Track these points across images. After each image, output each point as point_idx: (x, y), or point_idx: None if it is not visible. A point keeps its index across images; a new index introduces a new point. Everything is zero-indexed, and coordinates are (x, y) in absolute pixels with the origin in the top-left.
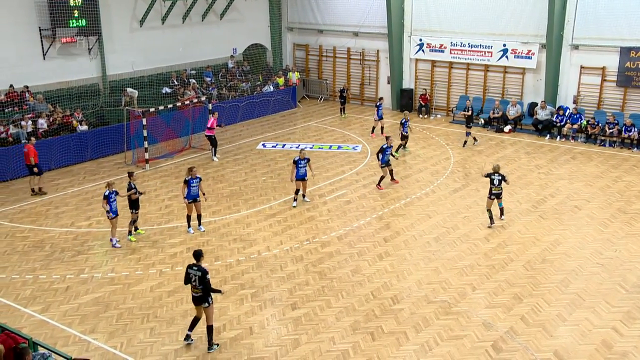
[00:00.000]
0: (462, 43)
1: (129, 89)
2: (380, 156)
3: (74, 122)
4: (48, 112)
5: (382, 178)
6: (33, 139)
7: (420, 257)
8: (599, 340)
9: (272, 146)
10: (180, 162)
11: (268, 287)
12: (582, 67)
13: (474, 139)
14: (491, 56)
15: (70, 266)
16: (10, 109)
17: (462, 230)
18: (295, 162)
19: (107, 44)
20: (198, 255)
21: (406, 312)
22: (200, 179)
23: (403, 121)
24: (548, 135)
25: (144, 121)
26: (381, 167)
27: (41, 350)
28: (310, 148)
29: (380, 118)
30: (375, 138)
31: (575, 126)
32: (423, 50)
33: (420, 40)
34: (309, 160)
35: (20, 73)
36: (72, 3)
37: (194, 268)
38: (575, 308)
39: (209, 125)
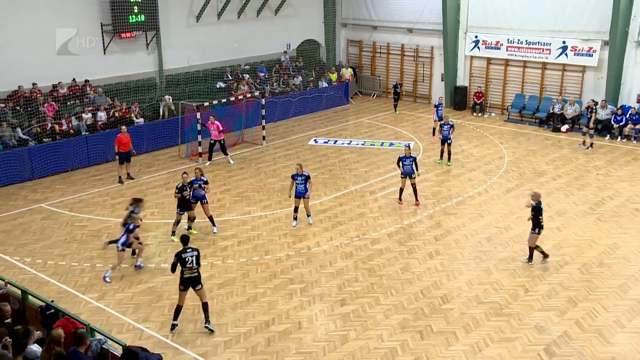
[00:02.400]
0: (519, 40)
1: (167, 97)
2: (401, 165)
3: (132, 114)
4: (107, 106)
5: (401, 190)
6: (124, 127)
7: (472, 256)
8: None
9: (324, 142)
10: (233, 156)
11: (317, 282)
12: None
13: (591, 144)
14: (549, 53)
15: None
16: (72, 101)
17: (515, 230)
18: (293, 178)
19: (164, 39)
20: (187, 240)
21: (456, 312)
22: (308, 176)
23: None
24: (608, 136)
25: (198, 115)
26: (401, 178)
27: (98, 336)
28: (362, 144)
29: (440, 119)
30: (437, 140)
31: (638, 126)
32: (478, 48)
33: (476, 37)
34: (308, 177)
35: (82, 67)
36: None
37: (188, 250)
38: (635, 315)
39: (206, 126)
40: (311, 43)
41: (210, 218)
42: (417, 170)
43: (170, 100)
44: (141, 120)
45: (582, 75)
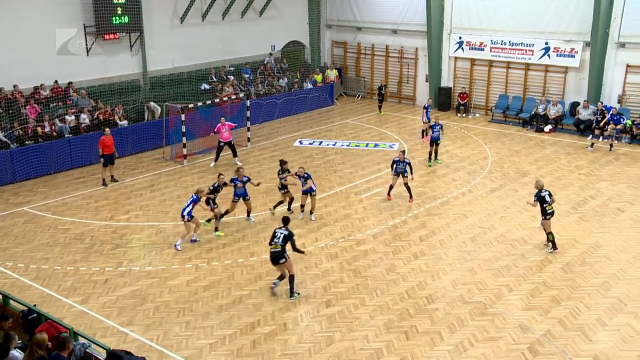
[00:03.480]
0: (502, 41)
1: (152, 103)
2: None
3: (116, 117)
4: (90, 108)
5: (390, 187)
6: (107, 130)
7: (456, 257)
8: None
9: (309, 143)
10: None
11: (302, 283)
12: (628, 65)
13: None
14: (532, 55)
15: (109, 259)
16: (54, 104)
17: (499, 230)
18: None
19: (148, 40)
20: (287, 220)
21: (441, 312)
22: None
23: (426, 105)
24: (590, 136)
25: (183, 117)
26: (393, 175)
27: (81, 340)
28: (347, 146)
29: (429, 121)
30: (427, 142)
31: (619, 127)
32: (462, 49)
33: (460, 38)
34: (309, 177)
35: (64, 69)
36: (115, 0)
37: (282, 228)
38: (616, 313)
39: (215, 130)
40: (296, 44)
41: (249, 212)
42: (411, 174)
43: (158, 110)
44: (125, 122)
45: (564, 76)
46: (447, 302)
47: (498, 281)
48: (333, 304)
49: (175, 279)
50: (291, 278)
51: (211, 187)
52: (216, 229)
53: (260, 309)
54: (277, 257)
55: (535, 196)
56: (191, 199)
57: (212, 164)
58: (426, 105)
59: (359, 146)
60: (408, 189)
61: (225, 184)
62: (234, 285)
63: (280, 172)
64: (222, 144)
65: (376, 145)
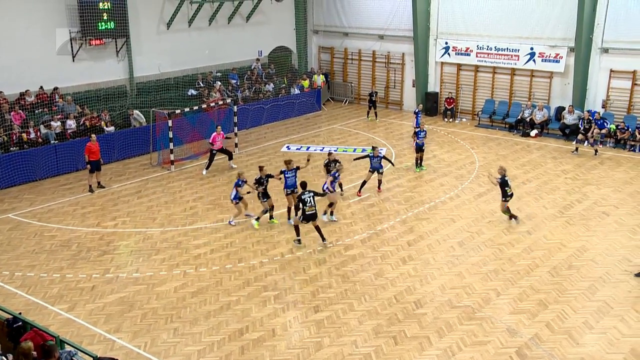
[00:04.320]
0: (488, 46)
1: (136, 112)
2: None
3: (102, 123)
4: (76, 114)
5: (363, 183)
6: (94, 136)
7: (444, 261)
8: (628, 349)
9: (297, 148)
10: (205, 164)
11: (291, 289)
12: (611, 70)
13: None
14: (518, 60)
15: (96, 266)
16: (40, 110)
17: (487, 235)
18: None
19: (134, 46)
20: (305, 184)
21: (429, 316)
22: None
23: (416, 111)
24: (575, 140)
25: (170, 123)
26: (369, 171)
27: (68, 348)
28: (335, 150)
29: (419, 126)
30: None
31: (603, 131)
32: (449, 54)
33: (446, 43)
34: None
35: (50, 75)
36: (101, 6)
37: (306, 193)
38: (602, 316)
39: (210, 140)
40: (283, 50)
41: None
42: (390, 162)
43: (142, 119)
44: (111, 128)
45: (549, 81)
46: (435, 306)
47: (486, 285)
48: (322, 310)
49: (163, 286)
50: (318, 228)
51: (255, 181)
52: (257, 218)
53: (249, 315)
54: (314, 217)
55: (499, 179)
56: (235, 183)
57: (204, 172)
58: (416, 111)
59: (346, 151)
60: (379, 181)
61: (270, 176)
62: (222, 292)
63: (260, 179)
64: (214, 151)
65: (364, 150)
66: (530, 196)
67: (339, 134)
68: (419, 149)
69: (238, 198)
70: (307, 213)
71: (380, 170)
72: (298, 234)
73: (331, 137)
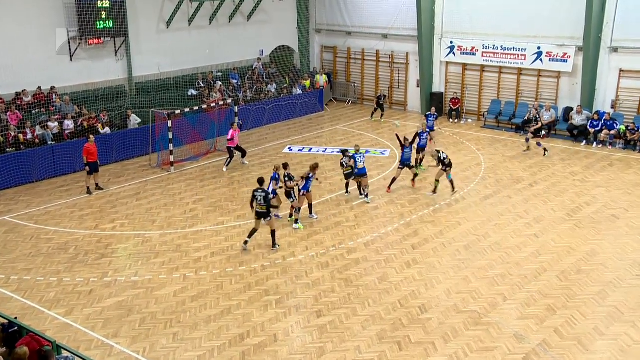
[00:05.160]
0: (494, 46)
1: (132, 115)
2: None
3: (100, 124)
4: (74, 114)
5: (393, 180)
6: (92, 137)
7: (450, 265)
8: None
9: (299, 150)
10: (205, 165)
11: (293, 293)
12: (621, 70)
13: (545, 150)
14: (525, 59)
15: (94, 269)
16: (37, 110)
17: (494, 238)
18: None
19: (133, 45)
20: (262, 181)
21: (434, 322)
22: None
23: (428, 114)
24: (584, 141)
25: (170, 123)
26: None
27: (65, 353)
28: (338, 152)
29: (431, 129)
30: (434, 146)
31: (612, 132)
32: (454, 53)
33: (451, 42)
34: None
35: (47, 74)
36: (99, 4)
37: (259, 191)
38: (613, 322)
39: (229, 137)
40: (285, 49)
41: (310, 206)
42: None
43: (137, 121)
44: (107, 130)
45: (557, 81)
46: (441, 311)
47: (493, 290)
48: (324, 314)
49: (162, 290)
50: (273, 233)
51: (286, 177)
52: (296, 221)
53: (250, 319)
54: (263, 216)
55: (437, 159)
56: (271, 177)
57: (224, 169)
58: (428, 113)
59: (369, 152)
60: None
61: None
62: (223, 296)
63: (285, 178)
64: (232, 148)
65: (367, 151)
66: (538, 199)
67: (342, 134)
68: (421, 149)
69: (275, 193)
70: (257, 210)
71: (410, 163)
72: (250, 236)
73: (334, 139)
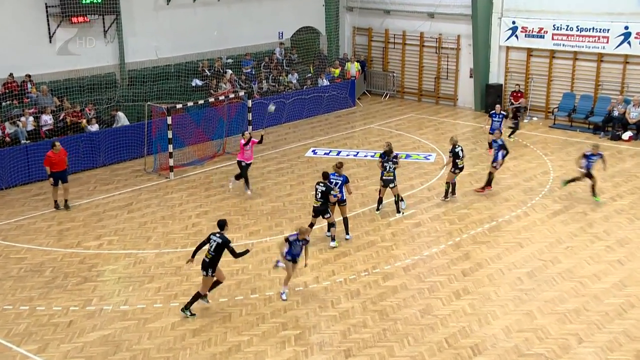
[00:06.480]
0: (568, 26)
1: (120, 113)
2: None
3: (83, 121)
4: (54, 107)
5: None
6: (58, 143)
7: (509, 296)
8: None
9: (325, 153)
10: (212, 171)
11: (316, 327)
12: None
13: None
14: (607, 42)
15: (75, 296)
16: (8, 102)
17: (565, 264)
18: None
19: (126, 25)
20: (222, 224)
21: None
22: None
23: (492, 113)
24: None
25: (169, 120)
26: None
27: None
28: (372, 156)
29: (499, 131)
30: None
31: None
32: (517, 36)
33: (514, 23)
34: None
35: (21, 59)
36: None
37: (217, 235)
38: None
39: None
40: (309, 31)
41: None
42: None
43: (124, 121)
44: (96, 126)
45: None
46: (498, 353)
47: (564, 329)
48: (354, 354)
49: (157, 321)
50: (197, 295)
51: (324, 185)
52: (333, 239)
53: (263, 359)
54: (205, 266)
55: (450, 152)
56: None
57: (247, 191)
58: (493, 112)
59: (410, 157)
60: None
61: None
62: (231, 330)
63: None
64: (245, 164)
65: (408, 156)
66: (623, 216)
67: (377, 135)
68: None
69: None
70: (205, 259)
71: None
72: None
73: (367, 140)
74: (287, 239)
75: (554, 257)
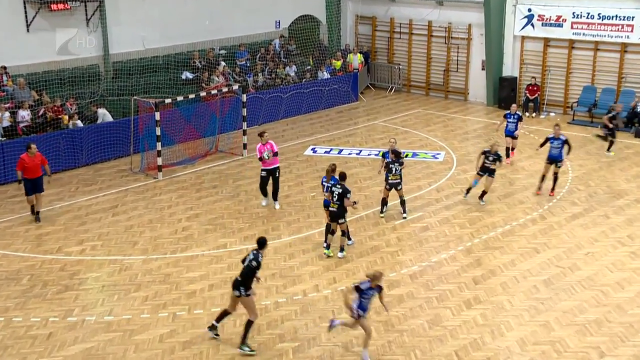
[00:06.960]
0: (589, 14)
1: (102, 110)
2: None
3: (64, 117)
4: (32, 102)
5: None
6: (34, 145)
7: (525, 306)
8: None
9: (325, 152)
10: (203, 171)
11: (316, 340)
12: None
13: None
14: (632, 31)
15: (55, 306)
16: None
17: (585, 271)
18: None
19: (110, 12)
20: (263, 243)
21: None
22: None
23: (507, 114)
24: None
25: (157, 116)
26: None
27: None
28: (376, 155)
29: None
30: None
31: None
32: (533, 25)
33: (530, 10)
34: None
35: None
36: None
37: (254, 252)
38: None
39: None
40: (308, 20)
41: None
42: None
43: (107, 117)
44: (79, 122)
45: None
46: None
47: (584, 341)
48: None
49: (145, 333)
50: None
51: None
52: (342, 249)
53: None
54: (235, 285)
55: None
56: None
57: (263, 202)
58: (508, 113)
59: (417, 155)
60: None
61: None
62: (224, 342)
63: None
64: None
65: (415, 154)
66: None
67: (381, 132)
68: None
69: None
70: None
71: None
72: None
73: (371, 137)
74: (357, 288)
75: (573, 263)
